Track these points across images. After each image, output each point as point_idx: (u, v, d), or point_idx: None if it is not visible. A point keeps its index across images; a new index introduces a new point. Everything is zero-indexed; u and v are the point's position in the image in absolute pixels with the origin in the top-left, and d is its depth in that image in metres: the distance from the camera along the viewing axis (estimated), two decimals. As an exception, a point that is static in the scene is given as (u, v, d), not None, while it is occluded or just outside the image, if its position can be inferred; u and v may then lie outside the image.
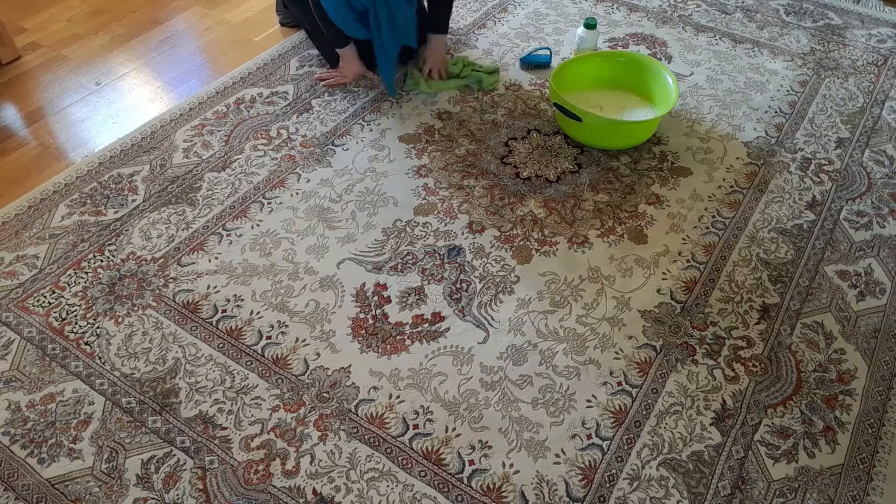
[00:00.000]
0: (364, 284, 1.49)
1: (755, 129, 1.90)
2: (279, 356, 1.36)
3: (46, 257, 1.53)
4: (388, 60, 1.91)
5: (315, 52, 2.12)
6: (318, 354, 1.37)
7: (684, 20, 2.32)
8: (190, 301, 1.45)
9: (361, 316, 1.43)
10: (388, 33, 1.85)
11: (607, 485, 1.19)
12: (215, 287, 1.48)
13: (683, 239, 1.60)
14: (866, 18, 2.35)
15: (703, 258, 1.56)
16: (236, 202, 1.67)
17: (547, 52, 2.11)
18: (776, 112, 1.96)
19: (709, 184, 1.74)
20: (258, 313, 1.43)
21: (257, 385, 1.32)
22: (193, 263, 1.53)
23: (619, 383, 1.33)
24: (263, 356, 1.36)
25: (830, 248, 1.59)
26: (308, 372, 1.34)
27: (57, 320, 1.41)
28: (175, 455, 1.21)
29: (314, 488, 1.18)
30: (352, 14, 1.81)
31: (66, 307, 1.44)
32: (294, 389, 1.31)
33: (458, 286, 1.49)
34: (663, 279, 1.52)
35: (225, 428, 1.25)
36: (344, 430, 1.25)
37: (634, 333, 1.41)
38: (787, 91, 2.03)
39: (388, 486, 1.18)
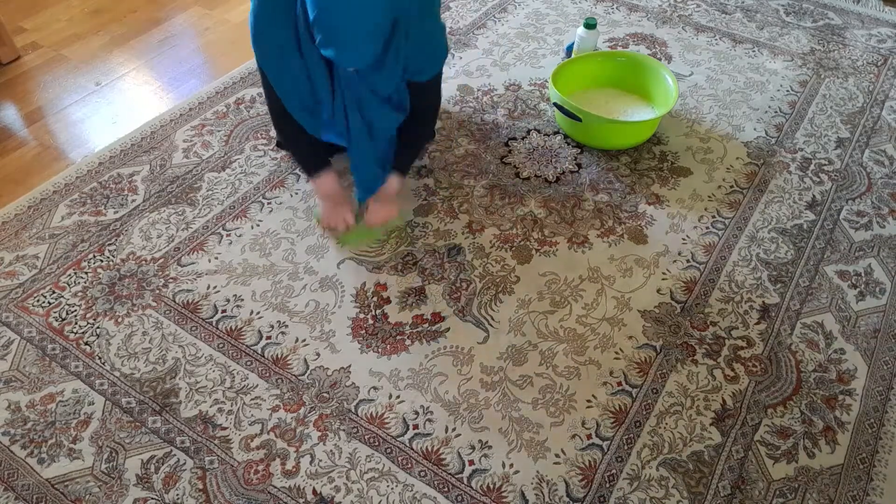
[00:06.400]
0: (364, 284, 1.49)
1: (755, 129, 1.90)
2: (279, 356, 1.36)
3: (46, 257, 1.53)
4: (364, 165, 1.54)
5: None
6: (318, 354, 1.37)
7: (684, 20, 2.32)
8: (190, 301, 1.45)
9: (361, 316, 1.43)
10: (361, 137, 1.48)
11: (607, 485, 1.19)
12: (215, 287, 1.48)
13: (683, 239, 1.60)
14: (866, 18, 2.35)
15: (703, 258, 1.56)
16: (236, 202, 1.67)
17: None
18: (776, 112, 1.96)
19: (709, 184, 1.74)
20: (258, 313, 1.43)
21: (257, 385, 1.32)
22: (193, 263, 1.53)
23: (619, 383, 1.33)
24: (263, 356, 1.36)
25: (830, 248, 1.59)
26: (308, 372, 1.34)
27: (57, 320, 1.41)
28: (175, 455, 1.21)
29: (314, 488, 1.18)
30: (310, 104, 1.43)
31: (66, 307, 1.44)
32: (294, 389, 1.31)
33: (457, 286, 1.49)
34: (663, 279, 1.52)
35: (225, 428, 1.25)
36: (344, 430, 1.25)
37: (634, 333, 1.41)
38: (787, 91, 2.03)
39: (388, 486, 1.18)
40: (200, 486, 1.17)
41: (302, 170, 1.64)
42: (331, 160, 1.60)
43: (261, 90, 1.99)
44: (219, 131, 1.87)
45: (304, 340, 1.39)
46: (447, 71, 2.07)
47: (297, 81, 1.39)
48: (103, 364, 1.34)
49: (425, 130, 1.66)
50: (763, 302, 1.48)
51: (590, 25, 1.98)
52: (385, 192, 1.58)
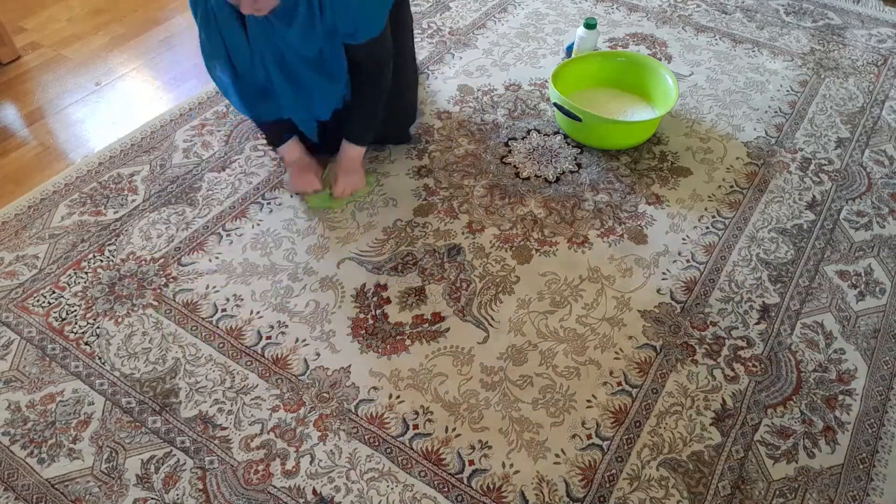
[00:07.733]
0: (364, 284, 1.49)
1: (755, 129, 1.90)
2: (279, 356, 1.36)
3: (46, 257, 1.53)
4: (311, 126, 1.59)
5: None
6: (318, 354, 1.37)
7: (684, 20, 2.32)
8: (190, 301, 1.45)
9: (361, 316, 1.43)
10: (300, 109, 1.52)
11: (607, 485, 1.19)
12: (215, 287, 1.48)
13: (683, 239, 1.60)
14: (866, 18, 2.35)
15: (703, 258, 1.56)
16: (236, 202, 1.67)
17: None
18: (776, 112, 1.96)
19: (709, 184, 1.74)
20: (258, 313, 1.43)
21: (257, 385, 1.32)
22: (193, 263, 1.53)
23: (619, 383, 1.33)
24: (263, 356, 1.36)
25: (830, 248, 1.59)
26: (308, 372, 1.34)
27: (57, 320, 1.41)
28: (175, 455, 1.21)
29: (314, 488, 1.18)
30: (254, 92, 1.48)
31: (66, 307, 1.44)
32: (294, 389, 1.31)
33: (457, 286, 1.49)
34: (663, 279, 1.52)
35: (225, 428, 1.25)
36: (344, 430, 1.25)
37: (634, 333, 1.41)
38: (787, 91, 2.03)
39: (388, 486, 1.18)
40: (200, 486, 1.17)
41: (267, 141, 1.71)
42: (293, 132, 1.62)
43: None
44: (219, 131, 1.87)
45: (304, 340, 1.39)
46: (447, 71, 2.08)
47: (214, 42, 1.42)
48: (103, 364, 1.34)
49: (375, 93, 1.55)
50: (763, 302, 1.48)
51: (590, 25, 1.98)
52: (346, 163, 1.62)
